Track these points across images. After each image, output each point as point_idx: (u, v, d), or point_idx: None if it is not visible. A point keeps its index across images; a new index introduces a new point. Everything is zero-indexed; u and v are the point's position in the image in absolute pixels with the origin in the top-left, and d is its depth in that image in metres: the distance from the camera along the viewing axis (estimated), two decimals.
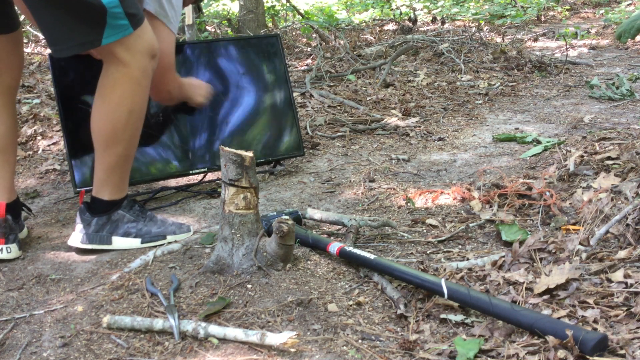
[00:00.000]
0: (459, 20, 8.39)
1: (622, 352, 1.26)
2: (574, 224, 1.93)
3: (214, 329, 1.43)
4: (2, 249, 1.93)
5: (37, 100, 3.63)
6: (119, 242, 1.96)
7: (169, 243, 1.97)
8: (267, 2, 7.33)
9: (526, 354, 1.29)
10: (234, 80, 2.62)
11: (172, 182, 2.66)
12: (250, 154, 1.65)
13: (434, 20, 7.96)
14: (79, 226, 1.96)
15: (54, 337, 1.48)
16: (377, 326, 1.49)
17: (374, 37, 6.30)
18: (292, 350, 1.37)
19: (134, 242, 1.97)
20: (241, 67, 2.65)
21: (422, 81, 4.50)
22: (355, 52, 5.23)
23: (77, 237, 1.95)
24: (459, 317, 1.49)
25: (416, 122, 3.53)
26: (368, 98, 3.98)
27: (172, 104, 2.41)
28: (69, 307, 1.61)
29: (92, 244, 1.95)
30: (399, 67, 4.91)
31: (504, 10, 8.69)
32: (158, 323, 1.46)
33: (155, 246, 1.95)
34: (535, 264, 1.67)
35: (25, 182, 2.71)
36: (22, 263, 1.92)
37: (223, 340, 1.42)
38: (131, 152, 1.96)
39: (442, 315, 1.50)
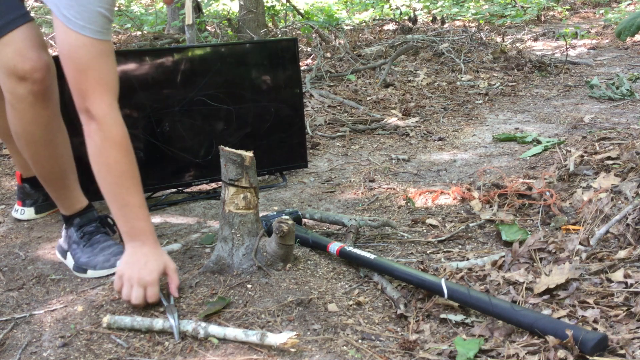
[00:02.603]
0: (459, 20, 8.39)
1: (622, 352, 1.26)
2: (574, 224, 1.93)
3: (214, 329, 1.43)
4: (17, 210, 2.26)
5: None
6: (69, 260, 1.87)
7: (167, 243, 1.98)
8: (267, 2, 7.32)
9: (526, 353, 1.29)
10: (246, 87, 2.51)
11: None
12: (250, 154, 1.65)
13: (434, 20, 7.96)
14: (62, 234, 1.96)
15: (54, 337, 1.48)
16: (377, 326, 1.49)
17: (374, 37, 6.30)
18: (292, 350, 1.37)
19: (70, 265, 1.86)
20: (254, 73, 2.53)
21: (422, 81, 4.50)
22: (355, 52, 5.24)
23: (57, 244, 1.96)
24: (459, 317, 1.49)
25: (416, 122, 3.53)
26: (368, 98, 3.98)
27: None
28: (69, 307, 1.62)
29: (60, 254, 1.93)
30: (399, 67, 4.91)
31: (504, 10, 8.69)
32: (158, 323, 1.46)
33: (80, 277, 1.81)
34: (535, 264, 1.67)
35: None
36: (22, 263, 1.92)
37: (223, 340, 1.42)
38: (45, 175, 1.82)
39: (442, 315, 1.50)
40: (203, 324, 1.44)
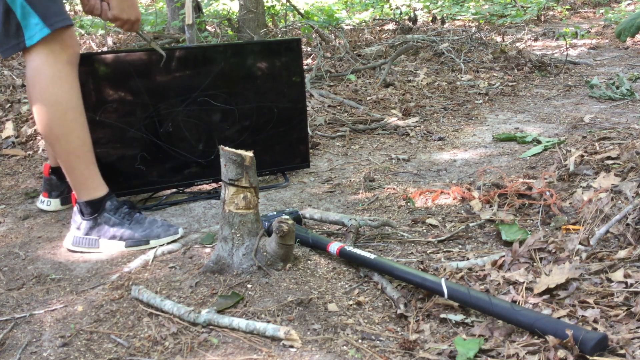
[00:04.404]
0: (459, 19, 8.39)
1: (622, 352, 1.26)
2: (574, 224, 1.93)
3: (237, 320, 1.46)
4: (43, 201, 2.36)
5: None
6: (106, 246, 1.98)
7: (169, 243, 1.98)
8: (267, 1, 7.32)
9: (526, 353, 1.29)
10: (249, 87, 2.50)
11: None
12: (250, 153, 1.65)
13: (434, 19, 7.96)
14: (72, 227, 2.00)
15: (54, 337, 1.48)
16: (377, 326, 1.49)
17: (374, 37, 6.30)
18: (292, 349, 1.37)
19: (119, 246, 1.98)
20: (257, 73, 2.52)
21: (422, 81, 4.50)
22: (355, 52, 5.23)
23: (69, 238, 2.00)
24: (459, 317, 1.49)
25: (416, 121, 3.53)
26: (368, 98, 3.98)
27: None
28: (69, 307, 1.62)
29: (81, 247, 1.98)
30: (399, 67, 4.91)
31: (504, 10, 8.69)
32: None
33: (140, 250, 1.96)
34: (535, 264, 1.67)
35: (25, 182, 2.71)
36: (22, 263, 1.92)
37: (223, 340, 1.42)
38: (77, 149, 1.94)
39: (442, 315, 1.50)
40: (216, 315, 1.46)
